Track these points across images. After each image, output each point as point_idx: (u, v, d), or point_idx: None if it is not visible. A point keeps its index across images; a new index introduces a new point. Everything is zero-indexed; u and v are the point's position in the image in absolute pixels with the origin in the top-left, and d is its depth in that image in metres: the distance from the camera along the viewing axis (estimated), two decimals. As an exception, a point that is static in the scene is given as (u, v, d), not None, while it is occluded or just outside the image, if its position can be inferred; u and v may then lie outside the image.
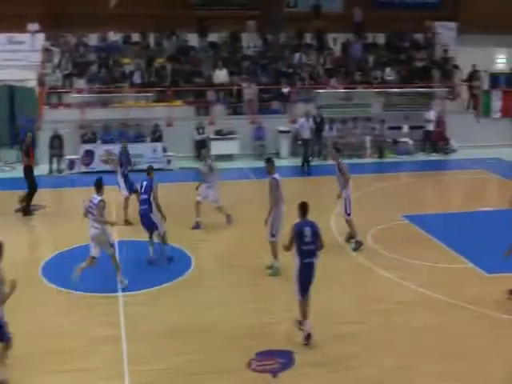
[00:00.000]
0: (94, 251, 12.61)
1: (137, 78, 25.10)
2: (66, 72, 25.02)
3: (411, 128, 25.98)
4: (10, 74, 24.73)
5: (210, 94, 25.26)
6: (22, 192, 17.70)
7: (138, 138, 23.13)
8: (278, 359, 10.02)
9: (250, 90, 25.15)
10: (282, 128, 24.75)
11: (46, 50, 25.58)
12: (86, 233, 14.89)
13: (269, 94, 25.93)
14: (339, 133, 25.05)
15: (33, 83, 24.79)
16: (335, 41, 28.48)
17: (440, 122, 26.27)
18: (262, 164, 23.09)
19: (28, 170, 17.61)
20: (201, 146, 23.90)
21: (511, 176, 22.74)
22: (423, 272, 13.65)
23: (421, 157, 25.32)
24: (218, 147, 23.57)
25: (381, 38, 29.19)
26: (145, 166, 21.62)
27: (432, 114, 25.50)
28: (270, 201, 13.27)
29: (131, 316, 11.46)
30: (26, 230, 17.13)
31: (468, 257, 13.94)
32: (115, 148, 22.22)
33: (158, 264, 13.77)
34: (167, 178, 19.85)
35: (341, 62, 27.73)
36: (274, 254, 13.32)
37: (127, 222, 16.46)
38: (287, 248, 10.63)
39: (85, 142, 22.65)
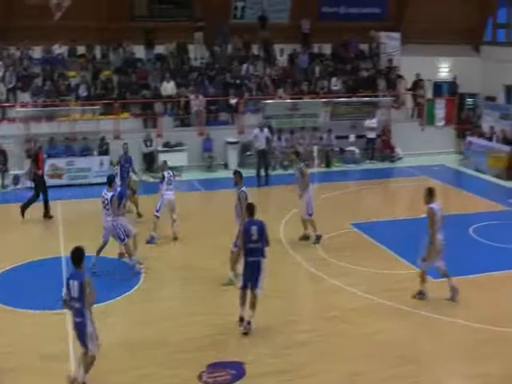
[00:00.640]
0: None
1: (83, 91, 24.82)
2: (10, 85, 24.56)
3: (358, 137, 26.33)
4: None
5: (158, 106, 25.11)
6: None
7: (85, 152, 22.85)
8: (229, 370, 10.02)
9: (197, 102, 25.12)
10: (230, 139, 24.78)
11: (-11, 64, 25.15)
12: (29, 250, 14.74)
13: (216, 106, 25.94)
14: (287, 143, 25.21)
15: (-24, 98, 24.33)
16: (282, 51, 28.68)
17: (385, 131, 26.68)
18: (210, 175, 23.55)
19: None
20: (149, 159, 23.92)
21: (455, 182, 23.31)
22: (372, 279, 13.84)
23: (367, 165, 25.64)
24: (166, 159, 23.41)
25: (327, 49, 29.53)
26: (93, 181, 21.87)
27: (374, 122, 25.85)
28: (240, 213, 13.07)
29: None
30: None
31: (414, 263, 14.14)
32: (61, 162, 22.13)
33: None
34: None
35: (288, 73, 27.95)
36: (232, 265, 13.35)
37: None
38: (239, 246, 11.28)
39: (30, 156, 22.25)
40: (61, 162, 22.16)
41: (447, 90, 29.90)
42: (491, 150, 24.25)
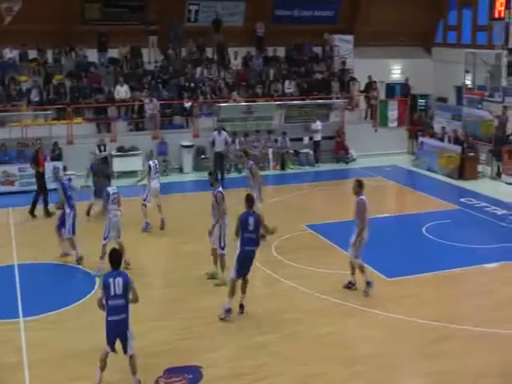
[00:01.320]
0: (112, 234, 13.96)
1: (35, 96, 24.45)
2: (-40, 91, 24.15)
3: (312, 139, 26.48)
4: None
5: (111, 111, 24.90)
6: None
7: (38, 157, 22.51)
8: (186, 375, 10.01)
9: (151, 106, 24.97)
10: (185, 143, 24.71)
11: None
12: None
13: (171, 109, 25.85)
14: (241, 146, 25.21)
15: None
16: (236, 55, 28.71)
17: (340, 133, 26.91)
18: (165, 180, 23.39)
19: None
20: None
21: (407, 182, 23.66)
22: (327, 280, 13.95)
23: (322, 167, 25.80)
24: (120, 164, 23.30)
25: (281, 52, 29.66)
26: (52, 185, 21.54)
27: (318, 125, 26.00)
28: (216, 213, 13.49)
29: (33, 341, 11.14)
30: None
31: (369, 262, 14.31)
32: (13, 168, 21.77)
33: None
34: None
35: (242, 76, 28.00)
36: (223, 267, 13.54)
37: None
38: (236, 235, 11.93)
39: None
40: (13, 169, 21.78)
41: (400, 91, 30.29)
42: (443, 151, 24.66)
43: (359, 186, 13.16)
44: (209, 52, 28.63)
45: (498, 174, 23.67)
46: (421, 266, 14.55)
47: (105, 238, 14.04)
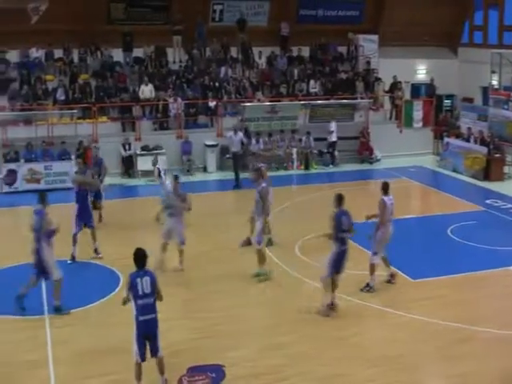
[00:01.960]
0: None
1: (60, 95, 24.67)
2: (-13, 90, 24.42)
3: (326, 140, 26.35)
4: None
5: (136, 110, 25.06)
6: None
7: (63, 156, 22.71)
8: (209, 373, 10.03)
9: (176, 105, 25.10)
10: (209, 142, 24.76)
11: (-35, 68, 24.94)
12: (7, 255, 14.63)
13: (195, 109, 25.93)
14: (265, 145, 25.23)
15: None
16: (260, 54, 28.73)
17: (364, 133, 26.81)
18: (189, 179, 23.45)
19: None
20: (127, 162, 23.83)
21: (432, 183, 23.48)
22: (352, 280, 13.84)
23: (346, 167, 25.70)
24: (144, 163, 23.40)
25: (305, 51, 29.60)
26: (71, 185, 21.65)
27: (332, 126, 25.86)
28: (260, 209, 13.60)
29: (58, 338, 11.24)
30: None
31: (394, 263, 14.23)
32: (39, 166, 21.98)
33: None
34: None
35: (266, 76, 27.99)
36: (262, 261, 13.75)
37: None
38: (330, 236, 12.00)
39: (7, 161, 22.08)
40: (39, 167, 22.00)
41: (425, 91, 30.11)
42: (468, 151, 24.45)
43: (383, 188, 13.54)
44: (233, 51, 28.69)
45: (525, 176, 23.46)
46: (445, 268, 14.44)
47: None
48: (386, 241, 13.31)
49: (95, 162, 18.75)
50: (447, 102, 30.04)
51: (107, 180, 19.52)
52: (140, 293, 9.18)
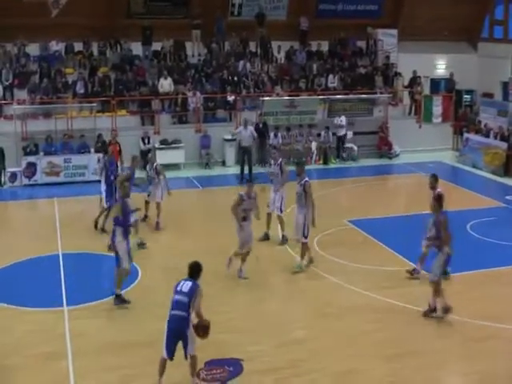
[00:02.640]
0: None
1: (80, 88, 24.76)
2: (7, 83, 24.53)
3: (355, 134, 26.32)
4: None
5: (155, 104, 25.11)
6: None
7: (82, 149, 22.81)
8: (227, 367, 10.04)
9: (194, 99, 25.12)
10: (227, 136, 24.76)
11: (-14, 61, 25.09)
12: (26, 247, 14.72)
13: (214, 103, 25.94)
14: (284, 140, 25.18)
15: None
16: (279, 49, 28.66)
17: (383, 128, 26.69)
18: (208, 173, 23.49)
19: None
20: (146, 156, 23.86)
21: (452, 179, 23.30)
22: (369, 276, 13.85)
23: (365, 162, 25.61)
24: (163, 156, 23.38)
25: (324, 46, 29.48)
26: (90, 178, 21.87)
27: (342, 120, 25.73)
28: (303, 203, 13.81)
29: (77, 330, 11.30)
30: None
31: (411, 259, 14.18)
32: (59, 159, 22.11)
33: None
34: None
35: (285, 70, 27.93)
36: (304, 254, 13.96)
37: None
38: (446, 239, 11.83)
39: (27, 154, 22.23)
40: (58, 160, 22.12)
41: (444, 86, 29.90)
42: (488, 147, 24.26)
43: (436, 181, 13.86)
44: (252, 46, 28.64)
45: (545, 172, 23.23)
46: (465, 264, 14.32)
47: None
48: None
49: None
50: (467, 97, 29.83)
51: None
52: (178, 289, 9.39)
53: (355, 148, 26.02)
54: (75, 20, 25.24)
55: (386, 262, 14.51)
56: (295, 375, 9.96)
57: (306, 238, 13.87)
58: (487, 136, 24.95)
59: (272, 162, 16.64)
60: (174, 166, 23.36)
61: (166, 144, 24.09)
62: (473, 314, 11.91)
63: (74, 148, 22.82)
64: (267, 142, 24.57)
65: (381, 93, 27.65)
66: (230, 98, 25.68)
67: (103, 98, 24.66)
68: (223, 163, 24.79)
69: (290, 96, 26.19)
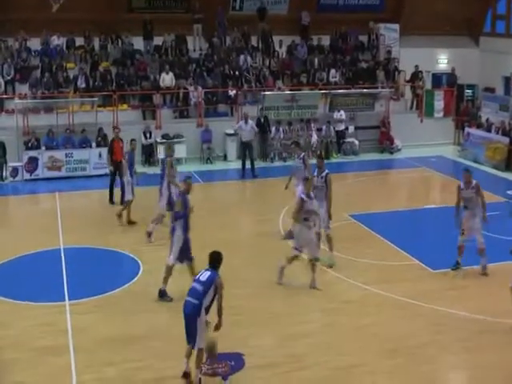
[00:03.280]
0: None
1: (81, 83, 24.74)
2: (9, 77, 24.53)
3: (357, 128, 26.30)
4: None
5: (157, 98, 25.10)
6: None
7: (84, 144, 22.81)
8: (228, 361, 10.03)
9: (196, 93, 25.10)
10: (229, 131, 24.74)
11: (-13, 56, 25.08)
12: (28, 242, 14.71)
13: (215, 97, 25.92)
14: (285, 134, 25.18)
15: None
16: (281, 43, 28.63)
17: (385, 122, 26.66)
18: (209, 168, 23.49)
19: None
20: (148, 151, 23.90)
21: (453, 173, 23.28)
22: (370, 270, 13.86)
23: (366, 157, 25.60)
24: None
25: (326, 40, 29.44)
26: (92, 172, 21.90)
27: (342, 114, 25.70)
28: (323, 195, 13.85)
29: (78, 324, 11.33)
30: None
31: (413, 254, 14.20)
32: (60, 154, 22.11)
33: None
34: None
35: (286, 64, 27.90)
36: (332, 246, 14.00)
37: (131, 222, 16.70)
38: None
39: (28, 148, 22.24)
40: (59, 154, 22.13)
41: (446, 81, 29.85)
42: (490, 141, 24.24)
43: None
44: (253, 40, 28.61)
45: (547, 166, 23.21)
46: (466, 259, 14.32)
47: None
48: None
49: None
50: (468, 91, 29.76)
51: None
52: (197, 277, 9.58)
53: (356, 142, 26.01)
54: (76, 15, 25.25)
55: (387, 257, 14.52)
56: (297, 369, 9.97)
57: (328, 228, 13.99)
58: (489, 131, 24.93)
59: (295, 156, 16.67)
60: (176, 161, 23.27)
61: (167, 138, 24.07)
62: (473, 309, 11.92)
63: (76, 142, 22.83)
64: (269, 137, 24.61)
65: (382, 87, 27.61)
66: (232, 93, 25.67)
67: (104, 93, 24.67)
68: (225, 158, 24.80)
69: (291, 90, 26.17)
